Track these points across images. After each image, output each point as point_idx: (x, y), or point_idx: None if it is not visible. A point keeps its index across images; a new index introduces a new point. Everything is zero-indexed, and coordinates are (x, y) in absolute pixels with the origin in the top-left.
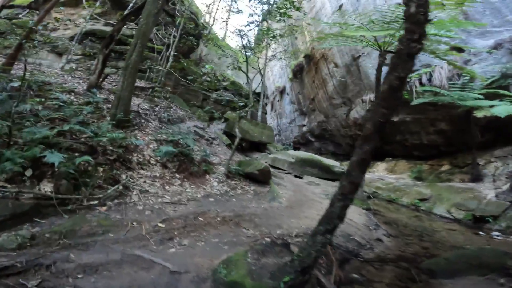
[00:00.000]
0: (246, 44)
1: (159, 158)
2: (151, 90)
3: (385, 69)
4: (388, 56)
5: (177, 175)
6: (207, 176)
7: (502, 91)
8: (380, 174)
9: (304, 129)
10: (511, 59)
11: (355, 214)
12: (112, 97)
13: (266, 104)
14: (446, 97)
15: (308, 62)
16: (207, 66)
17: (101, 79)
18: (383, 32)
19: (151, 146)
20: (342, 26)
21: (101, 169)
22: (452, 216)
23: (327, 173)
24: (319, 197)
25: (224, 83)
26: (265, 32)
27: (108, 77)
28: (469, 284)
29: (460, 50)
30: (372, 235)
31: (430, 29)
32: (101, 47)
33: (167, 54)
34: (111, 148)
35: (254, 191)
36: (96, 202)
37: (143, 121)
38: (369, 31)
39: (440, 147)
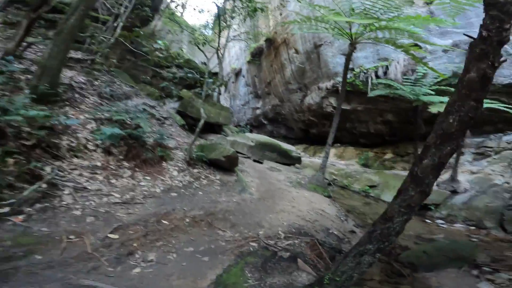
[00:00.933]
0: (206, 23)
1: (100, 142)
2: (90, 62)
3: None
4: (358, 46)
5: (125, 164)
6: (164, 164)
7: (452, 89)
8: (331, 160)
9: (258, 111)
10: (463, 60)
11: (324, 204)
12: (35, 67)
13: (221, 85)
14: (400, 90)
15: (268, 46)
16: (160, 42)
17: (22, 48)
18: (365, 20)
19: (88, 126)
20: (320, 10)
21: (11, 160)
22: None
23: (285, 158)
24: (285, 185)
25: (178, 61)
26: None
27: (34, 46)
28: (450, 276)
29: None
30: (345, 226)
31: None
32: (28, 10)
33: (115, 24)
34: (28, 129)
35: (220, 181)
36: (6, 209)
37: (77, 95)
38: (346, 18)
39: (384, 136)
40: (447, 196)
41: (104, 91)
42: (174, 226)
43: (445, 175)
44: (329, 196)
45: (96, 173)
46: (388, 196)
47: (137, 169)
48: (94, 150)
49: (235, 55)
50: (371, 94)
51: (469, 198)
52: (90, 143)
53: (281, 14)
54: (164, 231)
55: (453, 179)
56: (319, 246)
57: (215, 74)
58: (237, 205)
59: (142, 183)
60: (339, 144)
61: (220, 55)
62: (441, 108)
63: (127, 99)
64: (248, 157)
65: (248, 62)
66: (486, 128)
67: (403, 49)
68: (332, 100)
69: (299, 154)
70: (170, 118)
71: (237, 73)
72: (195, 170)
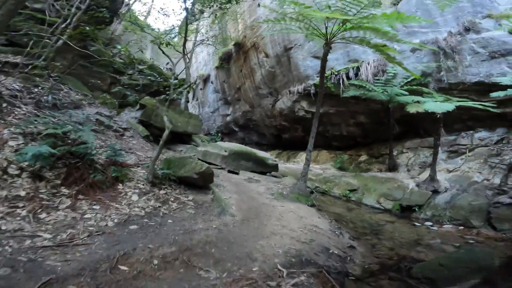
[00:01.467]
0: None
1: (26, 163)
2: (30, 67)
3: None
4: (333, 45)
5: (64, 191)
6: (120, 187)
7: (424, 88)
8: None
9: (228, 118)
10: (431, 59)
11: (314, 217)
12: None
13: (188, 92)
14: (373, 92)
15: (237, 50)
16: (119, 46)
17: None
18: (346, 16)
19: (12, 143)
20: (295, 8)
21: None
22: (382, 206)
23: (262, 166)
24: (267, 198)
25: (140, 66)
26: None
27: None
28: None
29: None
30: (342, 242)
31: (375, 22)
32: None
33: (63, 26)
34: None
35: (194, 202)
36: None
37: (5, 105)
38: (326, 14)
39: (357, 138)
40: (429, 197)
41: (45, 100)
42: (138, 273)
43: (422, 175)
44: (313, 205)
45: (17, 207)
46: (370, 200)
47: (80, 196)
48: (18, 175)
49: (203, 60)
50: (345, 94)
51: (451, 197)
52: (12, 165)
53: (250, 18)
54: (123, 282)
55: (432, 178)
56: (328, 277)
57: (182, 80)
58: (219, 232)
59: (88, 215)
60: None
61: (187, 59)
62: (419, 108)
63: (76, 109)
64: (222, 168)
65: (217, 67)
66: (456, 126)
67: (377, 48)
68: (304, 104)
69: (275, 161)
70: (131, 129)
71: (205, 79)
72: (162, 192)
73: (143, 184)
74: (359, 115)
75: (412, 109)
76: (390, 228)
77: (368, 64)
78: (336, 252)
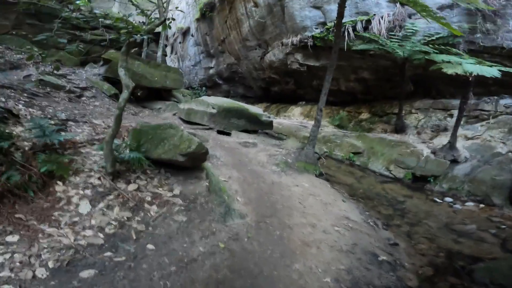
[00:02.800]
0: None
1: None
2: None
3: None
4: None
5: None
6: (60, 188)
7: (453, 49)
8: (299, 120)
9: (211, 71)
10: (463, 19)
11: (338, 202)
12: None
13: (166, 46)
14: (387, 47)
15: (221, 0)
16: (78, 1)
17: None
18: None
19: None
20: None
21: None
22: (392, 174)
23: (255, 125)
24: (273, 171)
25: (107, 21)
26: None
27: None
28: None
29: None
30: (381, 237)
31: None
32: None
33: None
34: None
35: (183, 198)
36: None
37: None
38: None
39: (357, 95)
40: (447, 167)
41: None
42: None
43: (436, 140)
44: (321, 174)
45: None
46: (377, 165)
47: None
48: None
49: (181, 13)
50: (355, 47)
51: (471, 169)
52: None
53: None
54: None
55: (452, 146)
56: None
57: (158, 34)
58: (230, 256)
59: None
60: (303, 102)
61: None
62: (457, 70)
63: (13, 70)
64: (211, 128)
65: (197, 19)
66: (477, 90)
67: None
68: (299, 56)
69: (270, 117)
70: (92, 87)
71: (185, 33)
72: (131, 187)
73: (100, 178)
74: (362, 71)
75: (450, 70)
76: (411, 206)
77: (382, 17)
78: (384, 258)
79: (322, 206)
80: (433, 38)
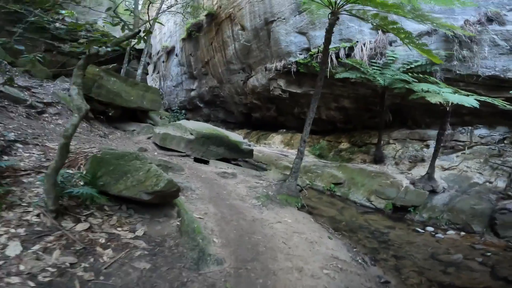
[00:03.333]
0: None
1: None
2: None
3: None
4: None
5: None
6: None
7: (430, 77)
8: (279, 148)
9: (193, 93)
10: (440, 46)
11: (324, 239)
12: None
13: (148, 64)
14: (369, 76)
15: (209, 21)
16: (63, 11)
17: None
18: None
19: None
20: None
21: None
22: (373, 205)
23: (235, 153)
24: (253, 206)
25: (90, 34)
26: None
27: None
28: None
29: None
30: (372, 276)
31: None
32: None
33: None
34: None
35: (148, 241)
36: None
37: None
38: None
39: (337, 124)
40: (426, 197)
41: None
42: None
43: (413, 170)
44: (303, 206)
45: None
46: (358, 196)
47: None
48: None
49: (168, 32)
50: (338, 75)
51: (450, 199)
52: None
53: None
54: None
55: (430, 177)
56: None
57: (141, 50)
58: None
59: None
60: (284, 130)
61: (148, 25)
62: (440, 99)
63: None
64: (187, 155)
65: (183, 39)
66: (452, 120)
67: (393, 27)
68: (282, 82)
69: (250, 145)
70: (59, 103)
71: (169, 52)
72: (80, 227)
73: (39, 215)
74: (343, 99)
75: (433, 99)
76: (395, 237)
77: (364, 45)
78: None
79: (308, 245)
80: (412, 66)
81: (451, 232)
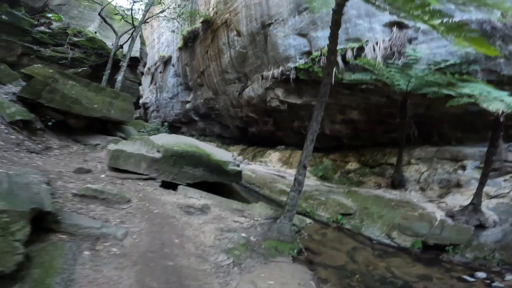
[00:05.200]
0: None
1: None
2: None
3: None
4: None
5: None
6: None
7: (473, 78)
8: (276, 167)
9: (188, 106)
10: None
11: None
12: None
13: (142, 74)
14: (387, 78)
15: (205, 28)
16: (50, 15)
17: None
18: None
19: None
20: None
21: None
22: (395, 242)
23: (218, 175)
24: (218, 267)
25: (76, 39)
26: None
27: None
28: None
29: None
30: None
31: None
32: None
33: None
34: None
35: None
36: None
37: None
38: None
39: (343, 139)
40: (471, 234)
41: None
42: None
43: (447, 199)
44: (300, 252)
45: None
46: (374, 231)
47: None
48: None
49: (166, 41)
50: (348, 78)
51: (504, 235)
52: None
53: None
54: None
55: (475, 208)
56: None
57: (135, 59)
58: None
59: None
60: (282, 146)
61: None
62: (502, 106)
63: None
64: (152, 179)
65: (180, 48)
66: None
67: (419, 14)
68: (279, 92)
69: (238, 165)
70: None
71: (166, 62)
72: None
73: None
74: (351, 111)
75: (492, 106)
76: None
77: (377, 44)
78: None
79: None
80: (441, 66)
81: (510, 277)
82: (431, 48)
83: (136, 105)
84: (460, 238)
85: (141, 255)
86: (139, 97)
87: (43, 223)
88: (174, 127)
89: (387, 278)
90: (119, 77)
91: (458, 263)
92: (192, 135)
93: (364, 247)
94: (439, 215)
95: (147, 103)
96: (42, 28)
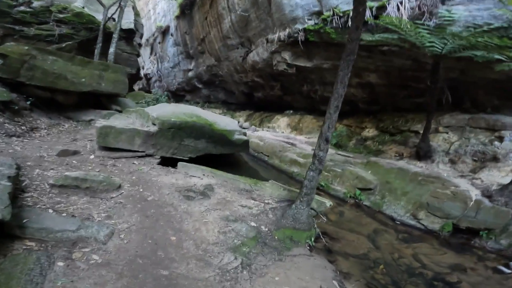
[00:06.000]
0: None
1: None
2: None
3: None
4: None
5: None
6: None
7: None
8: (285, 133)
9: (190, 74)
10: None
11: None
12: None
13: (140, 45)
14: (418, 39)
15: None
16: None
17: None
18: None
19: None
20: None
21: None
22: (421, 224)
23: (223, 146)
24: (222, 270)
25: (62, 15)
26: None
27: None
28: None
29: None
30: None
31: None
32: None
33: None
34: None
35: None
36: None
37: None
38: None
39: (358, 104)
40: (510, 218)
41: None
42: None
43: (485, 174)
44: (317, 238)
45: None
46: (396, 209)
47: None
48: None
49: (162, 11)
50: (369, 38)
51: None
52: None
53: None
54: None
55: None
56: None
57: (130, 30)
58: None
59: None
60: (291, 111)
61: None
62: None
63: None
64: (150, 155)
65: (177, 17)
66: None
67: None
68: (287, 55)
69: (245, 133)
70: None
71: (164, 32)
72: None
73: None
74: (368, 74)
75: None
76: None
77: (401, 2)
78: None
79: None
80: (484, 29)
81: None
82: (470, 10)
83: (137, 77)
84: (497, 222)
85: (129, 263)
86: (139, 68)
87: (4, 230)
88: (178, 96)
89: (416, 269)
90: (111, 49)
91: (491, 250)
92: (197, 103)
93: (386, 229)
94: (474, 194)
95: (148, 74)
96: (22, 8)
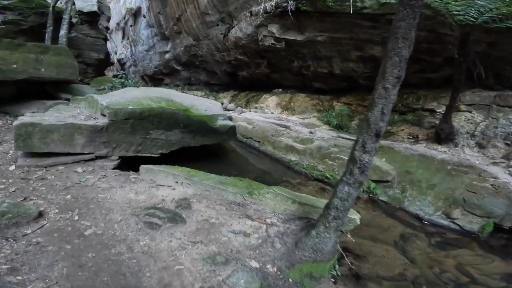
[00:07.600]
0: None
1: None
2: None
3: None
4: None
5: None
6: None
7: None
8: (275, 115)
9: (167, 56)
10: None
11: None
12: None
13: (107, 29)
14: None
15: None
16: None
17: None
18: None
19: None
20: None
21: None
22: (456, 224)
23: (202, 136)
24: None
25: (6, 2)
26: None
27: None
28: None
29: None
30: None
31: None
32: None
33: None
34: None
35: None
36: None
37: None
38: None
39: (357, 79)
40: None
41: None
42: None
43: None
44: (341, 258)
45: None
46: (422, 206)
47: None
48: None
49: None
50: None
51: None
52: None
53: None
54: None
55: None
56: None
57: (93, 13)
58: None
59: None
60: (280, 90)
61: None
62: None
63: None
64: (103, 157)
65: None
66: None
67: None
68: (274, 28)
69: (230, 118)
70: None
71: (136, 14)
72: None
73: None
74: (372, 46)
75: None
76: None
77: None
78: None
79: None
80: None
81: None
82: None
83: (107, 62)
84: None
85: None
86: (108, 53)
87: None
88: (156, 80)
89: (465, 286)
90: (62, 32)
91: None
92: (177, 86)
93: (414, 232)
94: None
95: (122, 58)
96: None
